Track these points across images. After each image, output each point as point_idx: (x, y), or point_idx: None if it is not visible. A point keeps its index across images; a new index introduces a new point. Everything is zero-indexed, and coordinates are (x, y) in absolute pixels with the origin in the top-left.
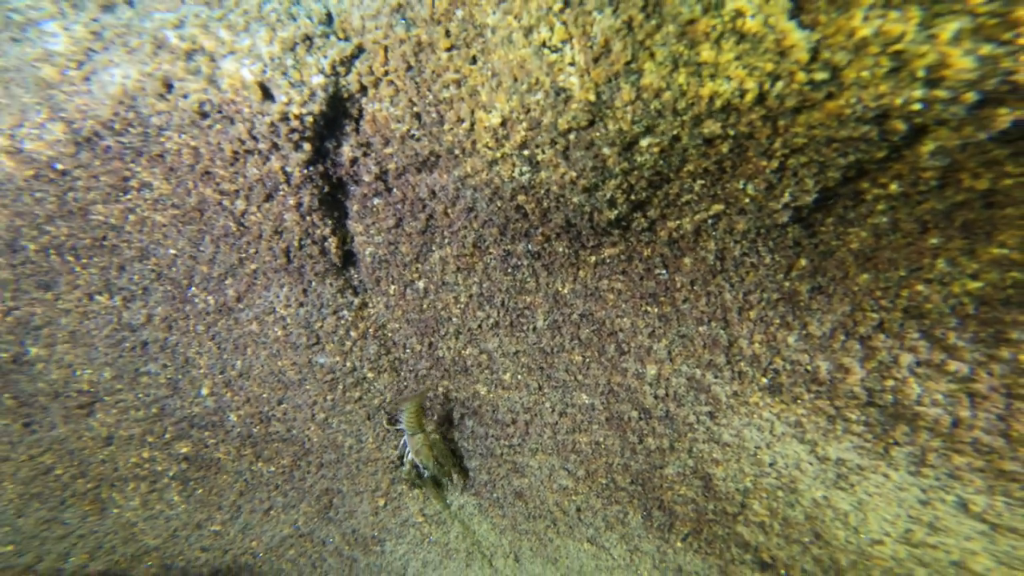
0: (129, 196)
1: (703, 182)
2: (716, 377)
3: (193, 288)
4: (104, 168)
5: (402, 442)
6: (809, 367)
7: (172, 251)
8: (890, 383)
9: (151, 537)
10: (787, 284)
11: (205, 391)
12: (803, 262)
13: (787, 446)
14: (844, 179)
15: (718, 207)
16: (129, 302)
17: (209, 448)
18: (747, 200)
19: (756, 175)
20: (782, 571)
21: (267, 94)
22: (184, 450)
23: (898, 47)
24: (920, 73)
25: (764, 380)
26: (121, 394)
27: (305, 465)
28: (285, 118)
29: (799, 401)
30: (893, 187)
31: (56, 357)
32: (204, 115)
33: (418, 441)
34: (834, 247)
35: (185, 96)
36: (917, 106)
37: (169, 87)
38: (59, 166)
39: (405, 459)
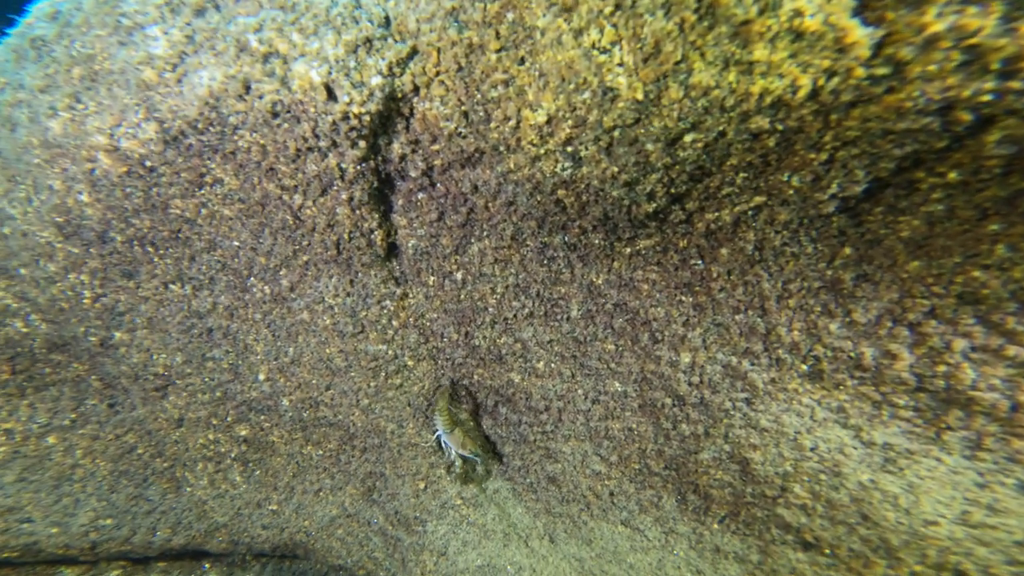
0: (203, 191)
1: (746, 175)
2: (753, 364)
3: (252, 278)
4: (185, 165)
5: (442, 441)
6: (853, 354)
7: (236, 243)
8: (942, 368)
9: (219, 515)
10: (830, 272)
11: (262, 376)
12: (848, 251)
13: (829, 431)
14: (898, 169)
15: (760, 199)
16: (198, 291)
17: (265, 431)
18: (791, 192)
19: (803, 167)
20: (826, 550)
21: (331, 95)
22: (244, 433)
23: (973, 41)
24: (995, 65)
25: (804, 367)
26: (190, 378)
27: (350, 449)
28: (346, 117)
29: (841, 387)
30: (952, 175)
31: (136, 342)
32: (275, 115)
33: (458, 436)
34: (882, 235)
35: (261, 97)
36: (988, 97)
37: (248, 88)
38: (148, 163)
39: (453, 457)
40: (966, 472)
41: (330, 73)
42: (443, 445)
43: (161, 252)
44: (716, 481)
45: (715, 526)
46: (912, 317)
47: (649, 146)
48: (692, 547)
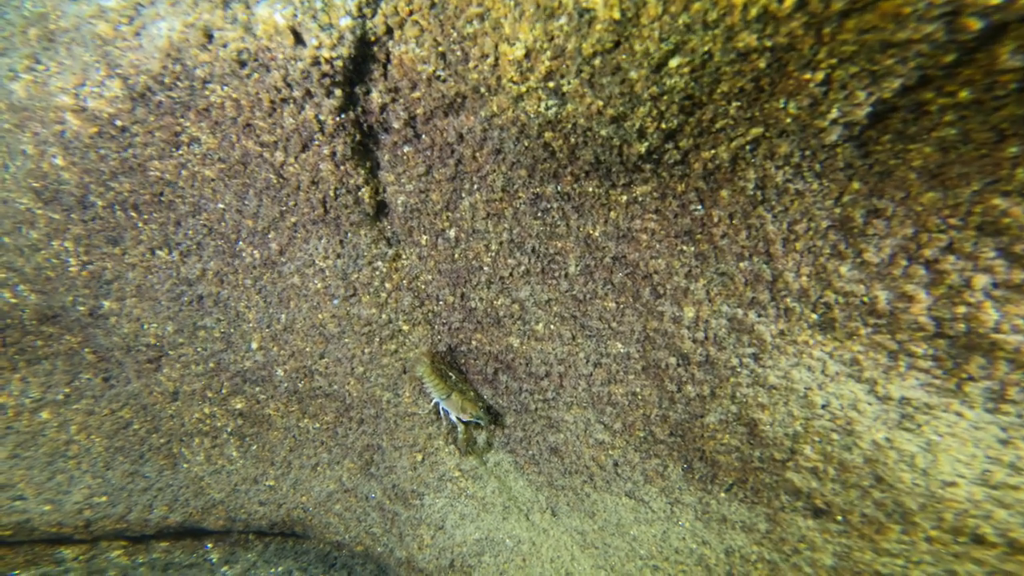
0: (181, 151)
1: (739, 104)
2: (760, 316)
3: (241, 243)
4: (158, 123)
5: (440, 408)
6: (866, 298)
7: (221, 205)
8: (962, 310)
9: (216, 491)
10: (838, 210)
11: (255, 345)
12: (856, 185)
13: (842, 386)
14: (903, 89)
15: (757, 131)
16: (186, 257)
17: (260, 404)
18: (789, 120)
19: (798, 91)
20: (838, 517)
21: (298, 39)
22: (239, 406)
23: None
24: None
25: (814, 316)
26: (183, 348)
27: (347, 421)
28: (316, 62)
29: (855, 337)
30: (963, 94)
31: (126, 311)
32: (243, 64)
33: (455, 401)
34: (892, 166)
35: (225, 45)
36: (997, 0)
37: (210, 37)
38: (119, 123)
39: (454, 421)
40: (988, 427)
41: (295, 16)
42: (441, 412)
43: (145, 217)
44: (723, 446)
45: (722, 495)
46: (928, 253)
47: (633, 74)
48: (698, 517)
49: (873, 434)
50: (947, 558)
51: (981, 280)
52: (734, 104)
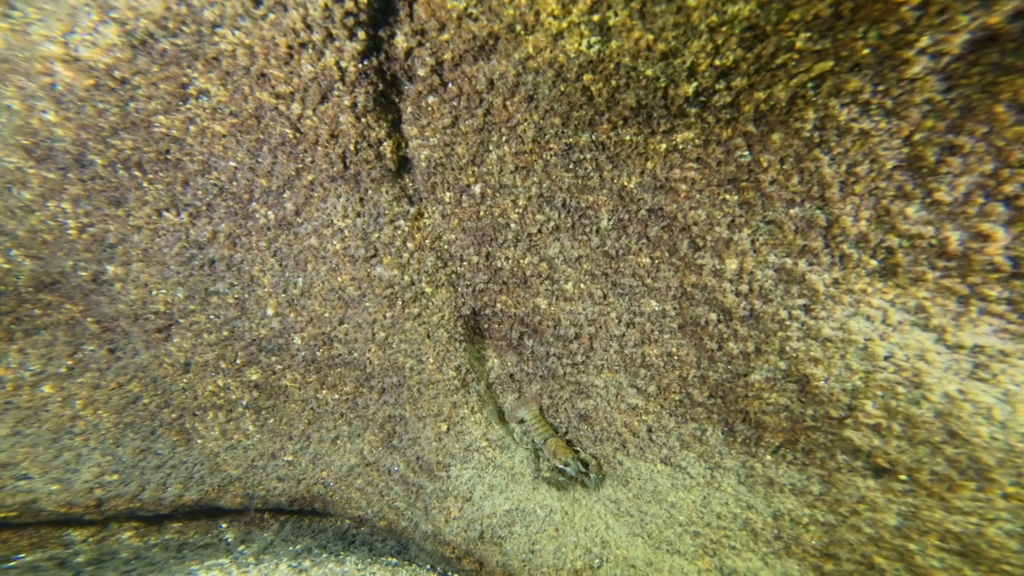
0: (188, 105)
1: (809, 35)
2: (812, 264)
3: (254, 203)
4: (162, 74)
5: (532, 444)
6: (934, 240)
7: (232, 163)
8: None
9: (233, 468)
10: (906, 150)
11: (270, 311)
12: (931, 123)
13: (907, 336)
14: (1017, 14)
15: (824, 65)
16: (195, 218)
17: (277, 374)
18: (866, 51)
19: (886, 16)
20: (903, 476)
21: None
22: (255, 377)
23: None
24: None
25: (873, 262)
26: (194, 316)
27: (367, 391)
28: None
29: (920, 282)
30: None
31: (132, 276)
32: (257, 2)
33: (552, 444)
34: (976, 100)
35: None
36: None
37: None
38: (117, 74)
39: (541, 464)
40: None
41: None
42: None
43: (150, 176)
44: (769, 406)
45: (768, 457)
46: (1009, 190)
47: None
48: (741, 482)
49: (944, 386)
50: None
51: None
52: (803, 35)
